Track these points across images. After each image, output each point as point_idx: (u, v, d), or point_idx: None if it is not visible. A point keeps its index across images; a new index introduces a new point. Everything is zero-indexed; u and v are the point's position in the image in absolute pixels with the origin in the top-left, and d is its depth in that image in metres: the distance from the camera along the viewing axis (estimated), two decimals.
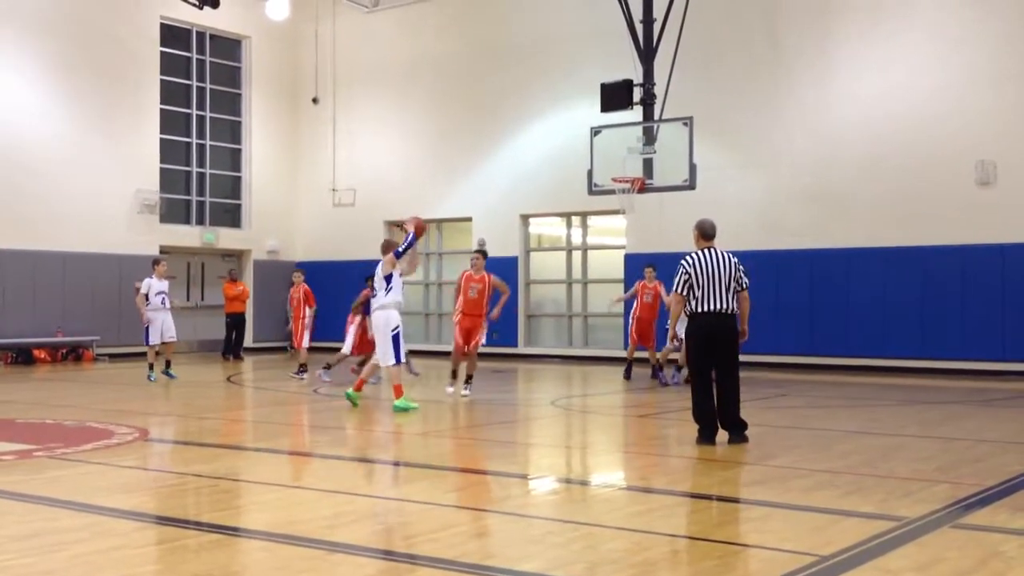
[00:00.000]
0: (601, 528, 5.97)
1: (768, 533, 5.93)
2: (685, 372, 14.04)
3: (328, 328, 19.95)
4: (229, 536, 5.84)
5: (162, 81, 23.91)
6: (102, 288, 21.94)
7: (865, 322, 18.49)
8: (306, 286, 17.37)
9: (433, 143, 24.25)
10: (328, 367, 16.09)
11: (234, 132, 25.93)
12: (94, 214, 22.17)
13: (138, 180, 23.14)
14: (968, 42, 17.99)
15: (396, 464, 8.89)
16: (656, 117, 18.29)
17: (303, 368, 16.92)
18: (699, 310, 9.25)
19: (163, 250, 23.48)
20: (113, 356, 21.70)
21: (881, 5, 18.81)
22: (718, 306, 9.19)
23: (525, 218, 23.13)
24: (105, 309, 21.79)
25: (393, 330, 11.73)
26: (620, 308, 18.16)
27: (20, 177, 21.04)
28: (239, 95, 25.94)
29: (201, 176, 25.16)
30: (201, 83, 25.11)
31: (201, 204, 25.15)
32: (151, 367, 16.57)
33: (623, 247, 21.47)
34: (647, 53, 18.67)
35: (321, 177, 25.95)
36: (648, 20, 18.70)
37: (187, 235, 24.51)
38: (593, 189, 18.28)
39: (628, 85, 18.50)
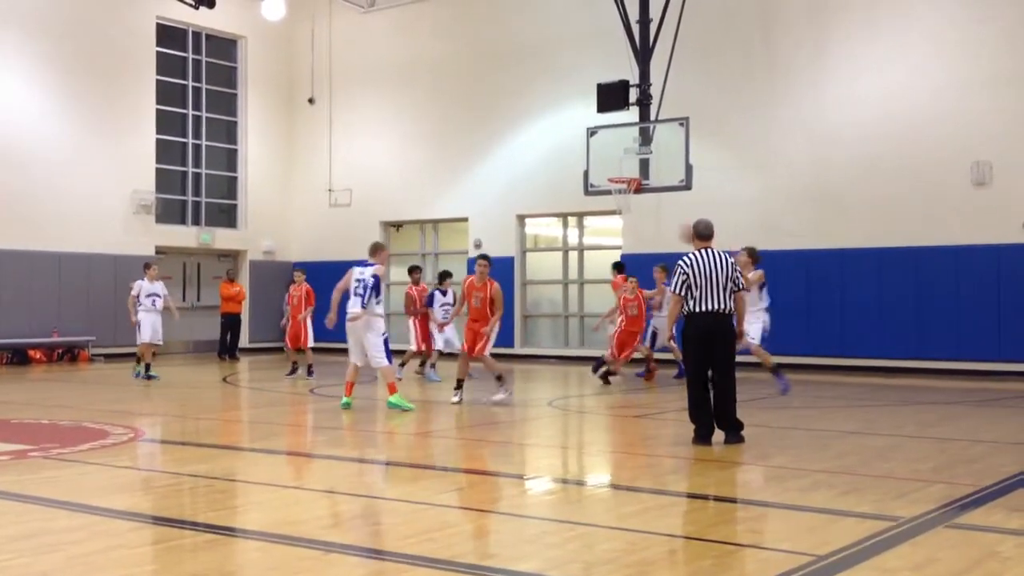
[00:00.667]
0: (597, 528, 5.97)
1: (764, 533, 5.94)
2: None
3: (322, 328, 19.65)
4: (225, 536, 5.83)
5: (158, 81, 23.89)
6: (98, 289, 21.91)
7: (861, 322, 18.51)
8: (308, 285, 17.41)
9: (429, 143, 24.24)
10: (402, 365, 16.23)
11: (230, 132, 25.91)
12: (90, 214, 22.15)
13: (134, 180, 23.11)
14: (964, 43, 18.01)
15: (392, 464, 8.88)
16: (652, 117, 18.30)
17: (295, 367, 17.01)
18: (696, 310, 9.26)
19: (159, 250, 23.47)
20: (109, 356, 21.67)
21: (877, 6, 18.83)
22: (715, 306, 9.20)
23: (521, 218, 23.13)
24: (101, 309, 21.76)
25: (383, 334, 12.23)
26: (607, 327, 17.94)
27: (16, 177, 21.01)
28: (235, 95, 25.92)
29: (197, 176, 25.14)
30: (197, 83, 25.09)
31: (197, 204, 25.12)
32: (138, 361, 17.20)
33: (619, 247, 21.47)
34: (643, 53, 18.69)
35: (317, 177, 25.93)
36: (644, 20, 18.72)
37: (183, 235, 24.48)
38: (589, 189, 18.29)
39: (624, 85, 18.51)
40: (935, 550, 5.43)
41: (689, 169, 17.27)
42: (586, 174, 18.22)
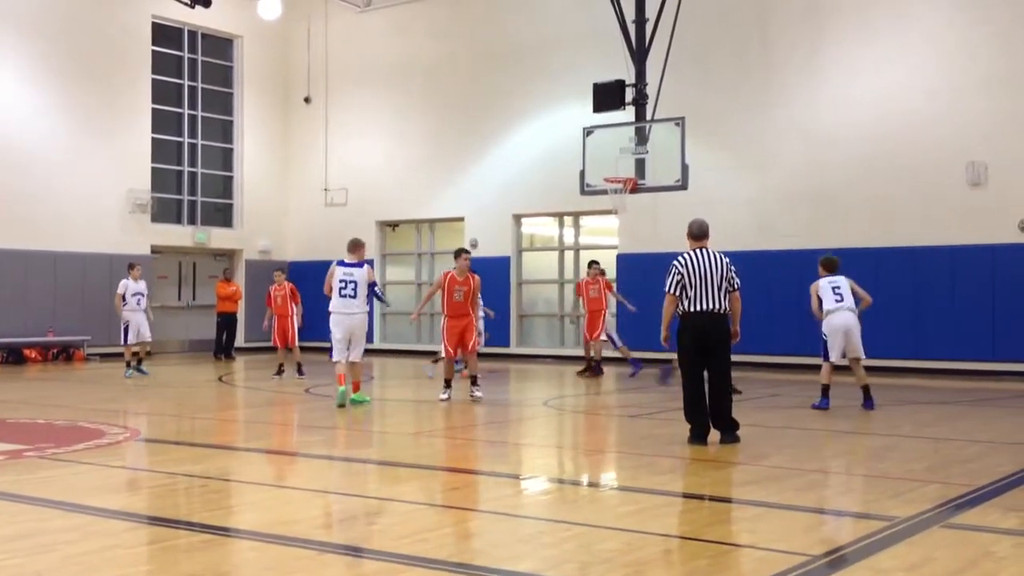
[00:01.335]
0: (593, 528, 5.97)
1: (760, 533, 5.94)
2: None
3: (309, 327, 19.43)
4: (220, 536, 5.82)
5: (154, 80, 23.86)
6: (93, 288, 21.87)
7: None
8: (291, 284, 17.45)
9: (425, 142, 24.23)
10: (435, 361, 16.57)
11: (226, 131, 25.88)
12: (86, 214, 22.12)
13: (130, 180, 23.09)
14: (960, 44, 18.04)
15: (386, 464, 8.87)
16: (648, 117, 18.32)
17: (281, 368, 17.05)
18: (691, 310, 9.27)
19: (155, 250, 23.45)
20: (104, 356, 21.63)
21: (873, 8, 18.85)
22: (710, 306, 9.21)
23: (517, 218, 23.13)
24: (96, 309, 21.70)
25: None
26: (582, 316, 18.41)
27: (11, 177, 20.98)
28: (231, 94, 25.89)
29: (193, 176, 25.12)
30: (193, 82, 25.06)
31: (193, 204, 25.10)
32: (128, 365, 17.56)
33: (615, 247, 21.48)
34: (639, 53, 18.69)
35: (313, 177, 25.92)
36: (640, 20, 18.73)
37: (179, 235, 24.45)
38: (585, 189, 18.29)
39: (620, 85, 18.52)
40: (930, 550, 5.43)
41: (685, 169, 17.28)
42: (582, 174, 18.23)
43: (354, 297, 12.29)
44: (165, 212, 24.36)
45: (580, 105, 19.85)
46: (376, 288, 12.64)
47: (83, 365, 20.88)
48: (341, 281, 12.32)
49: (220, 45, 25.75)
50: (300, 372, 16.92)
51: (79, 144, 22.23)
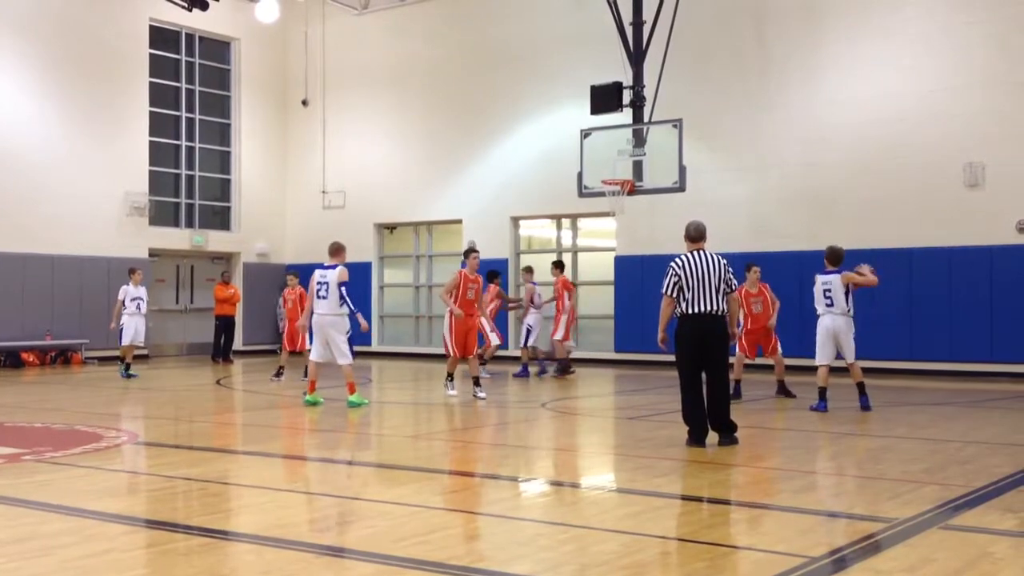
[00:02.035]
0: (591, 530, 5.97)
1: (758, 535, 5.94)
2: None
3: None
4: (218, 540, 5.82)
5: (151, 83, 23.86)
6: (91, 291, 21.87)
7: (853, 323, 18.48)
8: (302, 288, 17.43)
9: (423, 145, 24.24)
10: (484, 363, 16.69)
11: (223, 134, 25.88)
12: (83, 217, 22.11)
13: (127, 183, 23.08)
14: (956, 45, 18.07)
15: (385, 467, 8.87)
16: (646, 119, 18.33)
17: (281, 371, 17.10)
18: (689, 312, 9.27)
19: (152, 253, 23.44)
20: (102, 359, 21.62)
21: (869, 9, 18.88)
22: (708, 308, 9.22)
23: (515, 220, 23.13)
24: (94, 312, 21.70)
25: (347, 332, 12.74)
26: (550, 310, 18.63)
27: (8, 180, 20.98)
28: (228, 97, 25.89)
29: (190, 178, 25.11)
30: (190, 85, 25.06)
31: (190, 207, 25.09)
32: (121, 361, 17.88)
33: (613, 249, 21.49)
34: (637, 55, 18.71)
35: (311, 179, 25.92)
36: (638, 22, 18.74)
37: (176, 238, 24.45)
38: (583, 191, 18.31)
39: (618, 87, 18.53)
40: (928, 551, 5.43)
41: (682, 171, 17.29)
42: (580, 176, 18.24)
43: (325, 298, 12.50)
44: (163, 215, 24.35)
45: (578, 107, 19.86)
46: (343, 289, 12.45)
47: (80, 368, 20.85)
48: (317, 283, 12.64)
49: (217, 48, 25.75)
50: (306, 374, 16.87)
51: (76, 147, 22.21)
